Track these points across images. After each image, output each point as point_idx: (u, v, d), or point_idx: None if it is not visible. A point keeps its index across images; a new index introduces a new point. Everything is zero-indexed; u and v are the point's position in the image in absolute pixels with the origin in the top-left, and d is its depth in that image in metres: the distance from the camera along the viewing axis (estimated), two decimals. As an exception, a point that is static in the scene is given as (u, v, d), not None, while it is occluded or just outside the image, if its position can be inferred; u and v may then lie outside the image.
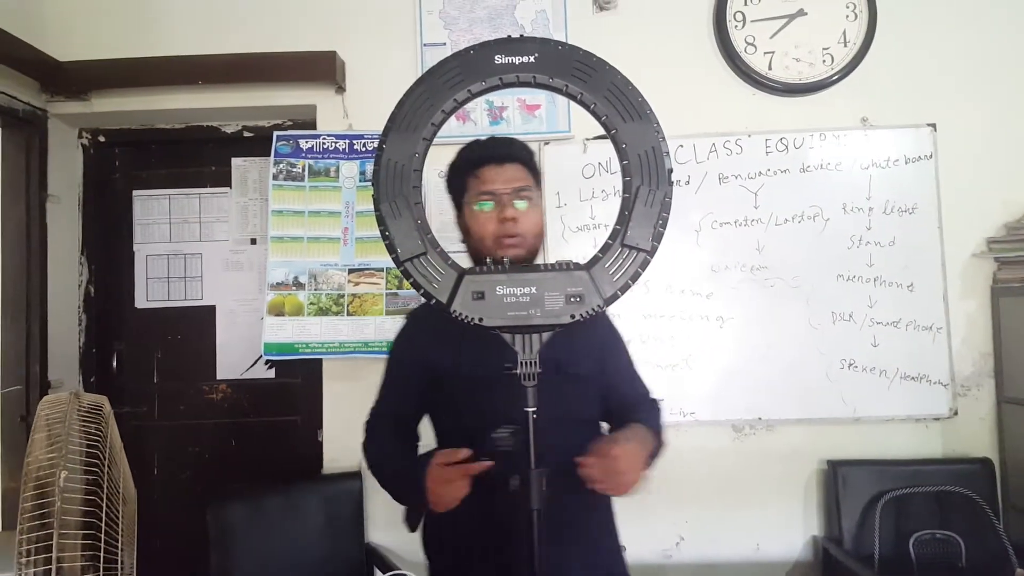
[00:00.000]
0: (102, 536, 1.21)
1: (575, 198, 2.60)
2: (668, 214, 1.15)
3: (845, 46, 2.59)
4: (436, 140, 1.16)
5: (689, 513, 2.58)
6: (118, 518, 1.31)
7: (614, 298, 1.13)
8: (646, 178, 1.15)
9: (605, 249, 1.15)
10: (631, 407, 1.53)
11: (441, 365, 1.44)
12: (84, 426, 1.35)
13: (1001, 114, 2.60)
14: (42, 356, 2.62)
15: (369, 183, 2.49)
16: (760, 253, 2.57)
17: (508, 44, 1.17)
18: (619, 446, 1.26)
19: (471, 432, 1.26)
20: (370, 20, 2.68)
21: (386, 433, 1.52)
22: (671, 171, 1.15)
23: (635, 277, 1.14)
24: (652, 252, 1.14)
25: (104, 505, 1.23)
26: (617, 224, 1.15)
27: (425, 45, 2.63)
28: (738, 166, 2.59)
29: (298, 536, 2.43)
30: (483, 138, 1.54)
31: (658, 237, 1.14)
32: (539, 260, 1.45)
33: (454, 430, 1.48)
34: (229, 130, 2.88)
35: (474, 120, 2.60)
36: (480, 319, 1.11)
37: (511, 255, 1.30)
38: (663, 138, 1.15)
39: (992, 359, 2.57)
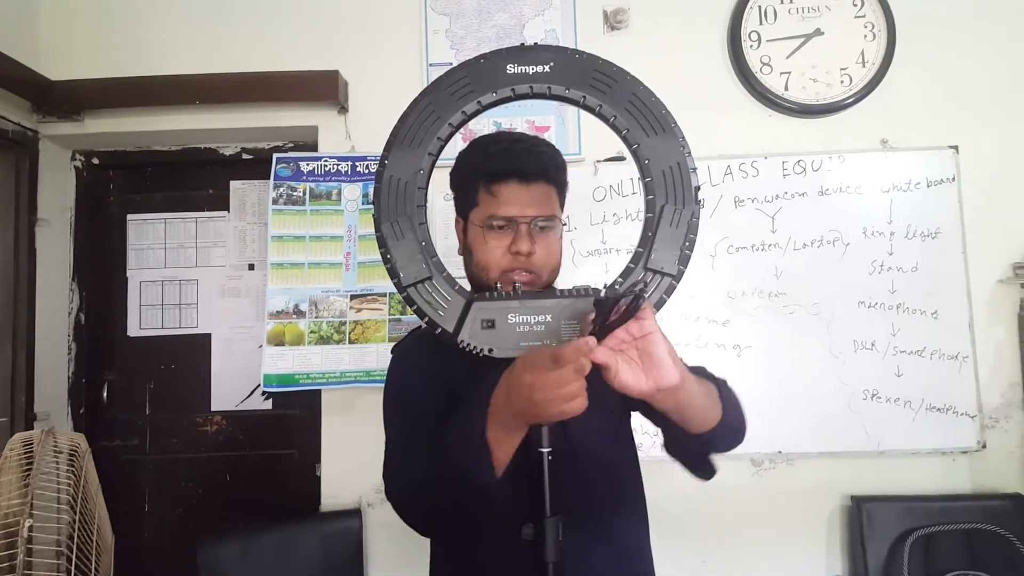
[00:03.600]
0: (71, 591, 1.10)
1: (586, 222, 2.51)
2: (695, 235, 1.05)
3: (863, 66, 2.51)
4: (440, 160, 1.07)
5: (706, 552, 2.45)
6: (91, 569, 1.19)
7: (637, 327, 1.03)
8: (671, 196, 1.05)
9: (626, 274, 1.05)
10: None
11: (461, 381, 1.14)
12: (59, 468, 1.24)
13: (1026, 135, 2.51)
14: (28, 387, 2.51)
15: (372, 205, 2.42)
16: (778, 279, 2.47)
17: (521, 52, 1.08)
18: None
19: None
20: (374, 39, 2.61)
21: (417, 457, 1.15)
22: (698, 189, 1.06)
23: (660, 304, 1.05)
24: (678, 277, 1.04)
25: (75, 557, 1.11)
26: (639, 246, 1.05)
27: (431, 65, 2.55)
28: (754, 189, 2.50)
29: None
30: (506, 132, 1.28)
31: (684, 260, 1.04)
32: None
33: None
34: (227, 152, 2.79)
35: None
36: (490, 350, 1.01)
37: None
38: (689, 153, 1.06)
39: (1021, 389, 2.45)
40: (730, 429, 1.14)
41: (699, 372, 1.18)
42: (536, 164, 1.21)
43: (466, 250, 1.26)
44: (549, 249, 1.20)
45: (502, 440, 1.01)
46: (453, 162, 1.29)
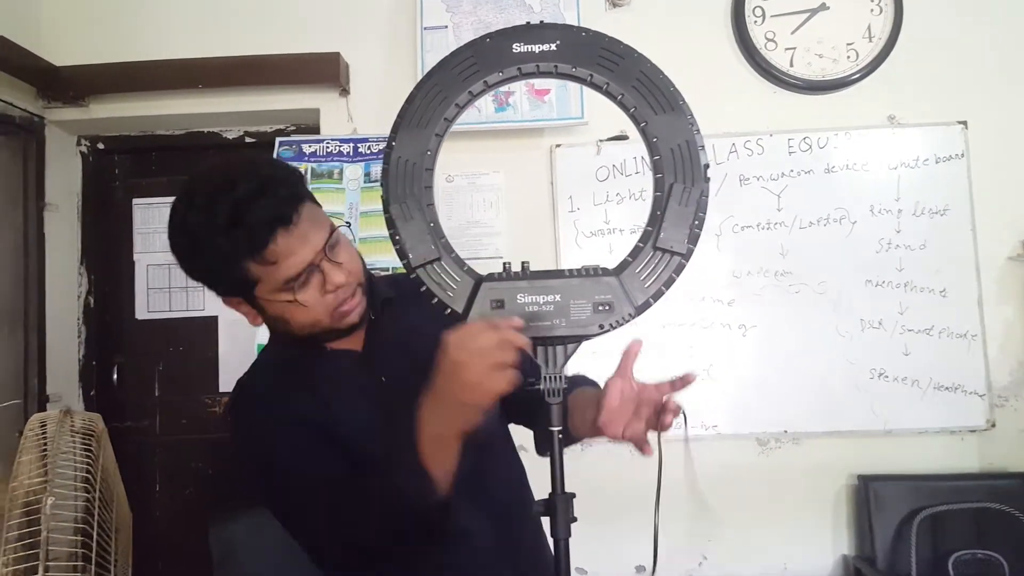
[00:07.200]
0: (92, 568, 1.11)
1: (588, 202, 2.50)
2: (704, 214, 1.05)
3: (870, 41, 2.49)
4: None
5: (713, 531, 2.47)
6: (111, 546, 1.21)
7: (646, 306, 1.03)
8: (680, 175, 1.05)
9: (635, 253, 1.05)
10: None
11: (347, 423, 1.09)
12: (76, 447, 1.25)
13: (1035, 111, 2.49)
14: (40, 369, 2.54)
15: (374, 184, 2.42)
16: (784, 258, 2.47)
17: (527, 31, 1.07)
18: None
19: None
20: (373, 18, 2.59)
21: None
22: (707, 167, 1.06)
23: (669, 283, 1.04)
24: (688, 255, 1.04)
25: (95, 534, 1.13)
26: (648, 225, 1.05)
27: (425, 29, 2.48)
28: (760, 167, 2.49)
29: (305, 556, 2.32)
30: (201, 180, 1.02)
31: (694, 239, 1.04)
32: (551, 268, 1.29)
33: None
34: (231, 136, 2.80)
35: (478, 107, 2.43)
36: (499, 329, 1.01)
37: (352, 321, 1.09)
38: (698, 131, 1.05)
39: (1031, 367, 2.45)
40: None
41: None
42: (282, 197, 1.00)
43: (275, 323, 1.11)
44: (351, 263, 1.08)
45: (439, 453, 0.95)
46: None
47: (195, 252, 1.00)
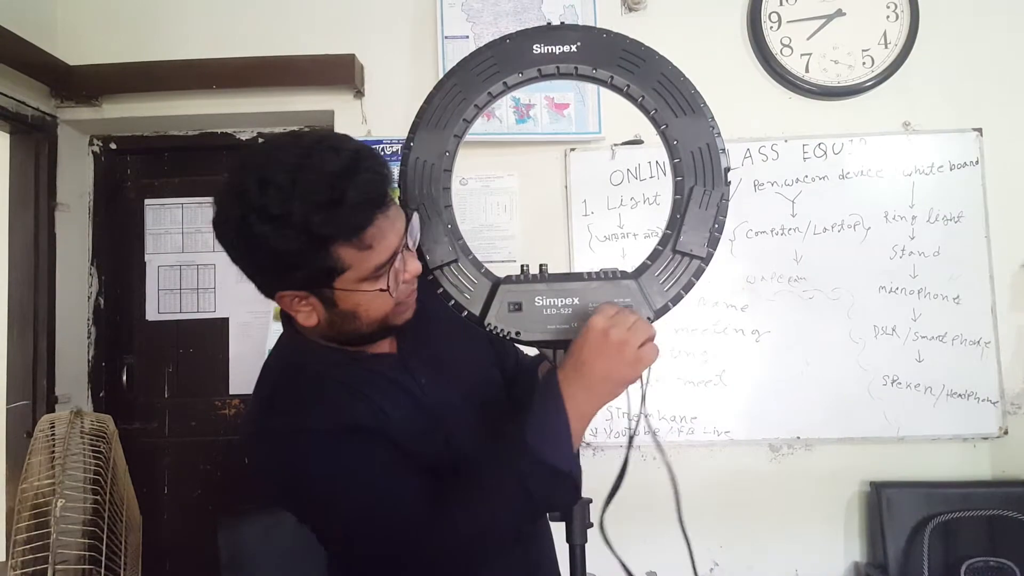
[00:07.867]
0: (102, 572, 1.11)
1: (603, 206, 2.49)
2: (725, 217, 1.04)
3: (886, 47, 2.48)
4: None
5: (724, 537, 2.45)
6: (121, 548, 1.20)
7: (665, 310, 1.03)
8: (700, 178, 1.05)
9: (655, 256, 1.04)
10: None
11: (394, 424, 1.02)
12: (85, 448, 1.25)
13: (1051, 118, 2.47)
14: (49, 370, 2.53)
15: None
16: (798, 263, 2.45)
17: (548, 32, 1.07)
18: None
19: None
20: (390, 21, 2.59)
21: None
22: (728, 170, 1.05)
23: (688, 287, 1.04)
24: (707, 259, 1.03)
25: (105, 537, 1.12)
26: (667, 228, 1.04)
27: (446, 38, 2.49)
28: (774, 173, 2.47)
29: (315, 559, 2.31)
30: (272, 157, 0.90)
31: (714, 243, 1.03)
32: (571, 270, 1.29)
33: None
34: (244, 137, 2.79)
35: (499, 117, 2.46)
36: (517, 333, 1.01)
37: (408, 317, 1.04)
38: (719, 134, 1.05)
39: (1044, 375, 2.43)
40: None
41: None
42: (384, 180, 0.93)
43: (341, 319, 0.98)
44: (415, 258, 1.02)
45: (581, 430, 0.95)
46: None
47: (277, 237, 0.86)
